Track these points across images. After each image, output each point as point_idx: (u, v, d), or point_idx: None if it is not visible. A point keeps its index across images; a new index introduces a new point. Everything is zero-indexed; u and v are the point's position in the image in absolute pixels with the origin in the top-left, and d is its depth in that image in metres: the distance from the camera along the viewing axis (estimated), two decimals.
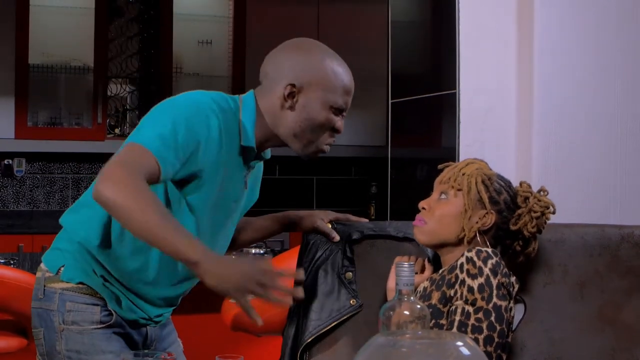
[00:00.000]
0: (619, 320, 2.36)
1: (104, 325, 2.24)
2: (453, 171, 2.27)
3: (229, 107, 2.23)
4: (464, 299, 2.11)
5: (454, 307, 2.12)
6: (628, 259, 2.39)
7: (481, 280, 2.10)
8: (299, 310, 2.41)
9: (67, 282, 2.24)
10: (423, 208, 2.27)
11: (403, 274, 1.77)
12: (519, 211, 2.27)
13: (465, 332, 2.07)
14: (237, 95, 2.30)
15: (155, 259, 2.23)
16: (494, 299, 2.09)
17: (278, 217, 2.54)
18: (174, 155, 2.09)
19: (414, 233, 2.28)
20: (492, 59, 3.31)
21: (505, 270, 2.14)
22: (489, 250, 2.16)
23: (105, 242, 2.22)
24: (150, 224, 1.98)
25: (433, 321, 2.14)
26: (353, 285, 2.41)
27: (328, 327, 2.37)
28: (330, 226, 2.45)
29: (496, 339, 2.08)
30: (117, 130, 6.29)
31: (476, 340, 2.06)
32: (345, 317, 2.38)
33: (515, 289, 2.18)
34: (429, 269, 2.32)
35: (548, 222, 2.31)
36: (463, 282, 2.12)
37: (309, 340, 2.35)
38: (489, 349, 2.07)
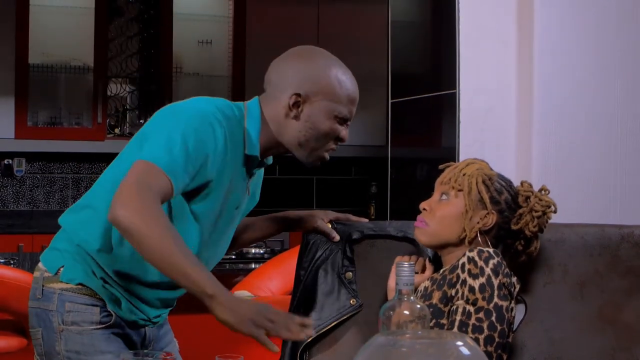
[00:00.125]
0: (619, 320, 2.36)
1: (103, 325, 2.24)
2: (454, 172, 2.27)
3: (233, 115, 2.23)
4: (465, 298, 2.11)
5: (455, 307, 2.12)
6: (628, 259, 2.39)
7: (482, 280, 2.10)
8: (299, 310, 2.41)
9: (66, 283, 2.24)
10: (424, 209, 2.27)
11: (403, 273, 1.77)
12: (520, 211, 2.27)
13: (466, 332, 2.07)
14: (241, 103, 2.29)
15: None
16: (495, 299, 2.09)
17: (278, 217, 2.54)
18: (184, 171, 2.09)
19: (415, 234, 2.28)
20: (492, 59, 3.31)
21: (507, 270, 2.14)
22: (491, 250, 2.16)
23: (106, 245, 2.21)
24: (167, 254, 1.99)
25: (434, 321, 2.14)
26: (353, 285, 2.41)
27: (328, 327, 2.37)
28: (330, 226, 2.45)
29: (497, 339, 2.08)
30: (117, 130, 6.29)
31: (477, 340, 2.06)
32: (345, 317, 2.38)
33: (517, 289, 2.18)
34: (429, 268, 2.32)
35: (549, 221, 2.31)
36: (464, 281, 2.12)
37: (309, 340, 2.35)
38: (490, 348, 2.07)
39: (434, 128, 3.57)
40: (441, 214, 2.24)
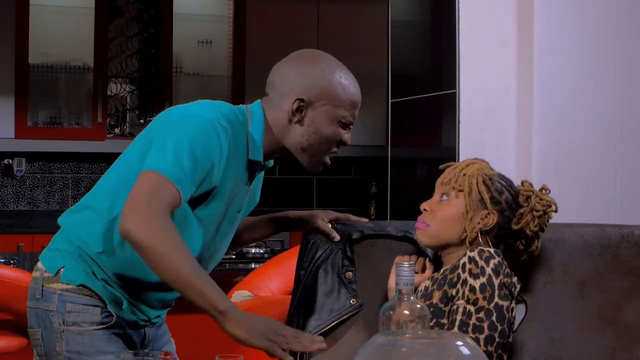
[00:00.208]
0: (619, 320, 2.36)
1: (104, 326, 2.24)
2: (454, 172, 2.27)
3: (237, 120, 2.23)
4: (465, 298, 2.11)
5: (455, 307, 2.12)
6: (628, 259, 2.39)
7: (483, 280, 2.10)
8: (300, 310, 2.41)
9: (67, 284, 2.24)
10: (425, 210, 2.27)
11: (403, 273, 1.77)
12: (521, 210, 2.27)
13: (467, 332, 2.07)
14: (244, 106, 2.29)
15: None
16: (496, 299, 2.10)
17: (278, 217, 2.54)
18: (191, 181, 2.09)
19: (417, 235, 2.28)
20: (492, 59, 3.31)
21: (508, 270, 2.14)
22: (492, 250, 2.16)
23: (107, 247, 2.21)
24: (178, 269, 1.99)
25: (434, 320, 2.14)
26: (353, 284, 2.41)
27: (328, 327, 2.37)
28: (330, 226, 2.45)
29: (497, 339, 2.08)
30: (117, 130, 6.29)
31: (477, 339, 2.06)
32: (345, 317, 2.38)
33: (517, 289, 2.18)
34: (429, 268, 2.32)
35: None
36: (465, 281, 2.12)
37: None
38: (490, 348, 2.07)
39: (434, 128, 3.57)
40: (442, 215, 2.24)
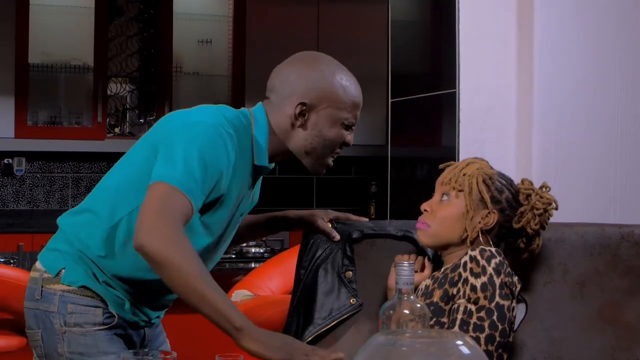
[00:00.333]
0: (619, 320, 2.36)
1: (106, 326, 2.23)
2: (454, 172, 2.27)
3: (241, 124, 2.22)
4: (466, 297, 2.11)
5: (456, 305, 2.12)
6: (628, 258, 2.39)
7: (484, 279, 2.10)
8: (300, 309, 2.41)
9: (68, 286, 2.23)
10: (425, 210, 2.26)
11: (403, 272, 1.77)
12: (522, 209, 2.27)
13: (467, 331, 2.07)
14: (246, 110, 2.28)
15: None
16: (497, 298, 2.10)
17: (278, 217, 2.54)
18: (201, 190, 2.09)
19: (418, 236, 2.28)
20: (492, 59, 3.31)
21: (509, 269, 2.15)
22: (493, 249, 2.16)
23: (108, 251, 2.20)
24: (194, 284, 1.98)
25: (434, 319, 2.14)
26: (353, 284, 2.41)
27: (328, 326, 2.37)
28: (330, 225, 2.45)
29: (498, 338, 2.08)
30: (117, 130, 6.29)
31: (478, 338, 2.07)
32: (345, 316, 2.39)
33: (518, 288, 2.18)
34: (428, 267, 2.32)
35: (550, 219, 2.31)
36: (466, 280, 2.12)
37: (309, 339, 2.35)
38: (490, 347, 2.07)
39: (434, 127, 3.57)
40: (442, 215, 2.24)
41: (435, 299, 2.17)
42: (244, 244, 4.46)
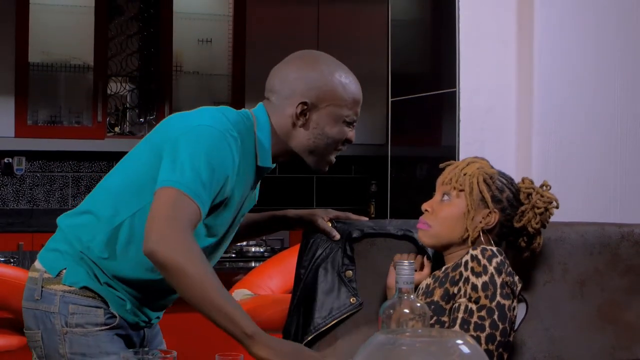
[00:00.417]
0: (619, 319, 2.37)
1: (108, 327, 2.23)
2: (454, 171, 2.27)
3: (244, 126, 2.22)
4: (467, 296, 2.11)
5: (457, 305, 2.13)
6: (628, 258, 2.40)
7: (485, 278, 2.10)
8: (300, 309, 2.41)
9: (69, 286, 2.22)
10: (426, 210, 2.27)
11: (403, 272, 1.78)
12: (522, 208, 2.27)
13: (468, 330, 2.07)
14: (247, 111, 2.28)
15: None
16: (498, 298, 2.10)
17: (277, 216, 2.54)
18: (208, 195, 2.09)
19: (419, 236, 2.28)
20: (492, 59, 3.31)
21: (510, 269, 2.15)
22: (494, 248, 2.16)
23: (109, 253, 2.20)
24: (204, 291, 1.98)
25: (435, 318, 2.14)
26: (353, 283, 2.41)
27: (328, 326, 2.37)
28: (330, 224, 2.45)
29: (498, 338, 2.09)
30: (117, 129, 6.29)
31: (478, 338, 2.07)
32: (345, 316, 2.39)
33: (519, 288, 2.18)
34: (427, 266, 2.32)
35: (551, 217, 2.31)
36: (467, 279, 2.12)
37: (309, 339, 2.35)
38: (491, 347, 2.07)
39: (434, 127, 3.57)
40: (443, 215, 2.24)
41: (436, 297, 2.17)
42: (244, 243, 4.46)
